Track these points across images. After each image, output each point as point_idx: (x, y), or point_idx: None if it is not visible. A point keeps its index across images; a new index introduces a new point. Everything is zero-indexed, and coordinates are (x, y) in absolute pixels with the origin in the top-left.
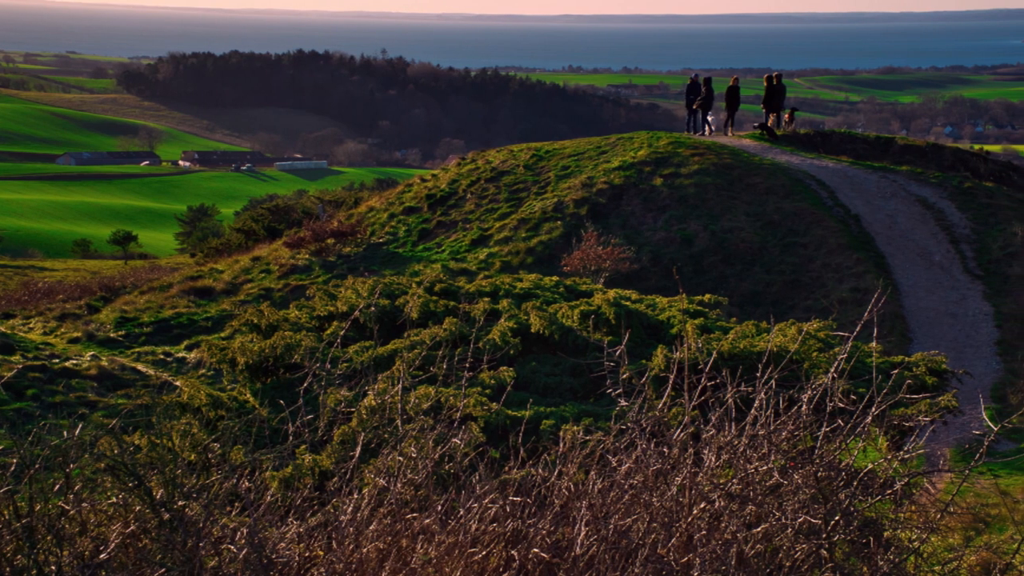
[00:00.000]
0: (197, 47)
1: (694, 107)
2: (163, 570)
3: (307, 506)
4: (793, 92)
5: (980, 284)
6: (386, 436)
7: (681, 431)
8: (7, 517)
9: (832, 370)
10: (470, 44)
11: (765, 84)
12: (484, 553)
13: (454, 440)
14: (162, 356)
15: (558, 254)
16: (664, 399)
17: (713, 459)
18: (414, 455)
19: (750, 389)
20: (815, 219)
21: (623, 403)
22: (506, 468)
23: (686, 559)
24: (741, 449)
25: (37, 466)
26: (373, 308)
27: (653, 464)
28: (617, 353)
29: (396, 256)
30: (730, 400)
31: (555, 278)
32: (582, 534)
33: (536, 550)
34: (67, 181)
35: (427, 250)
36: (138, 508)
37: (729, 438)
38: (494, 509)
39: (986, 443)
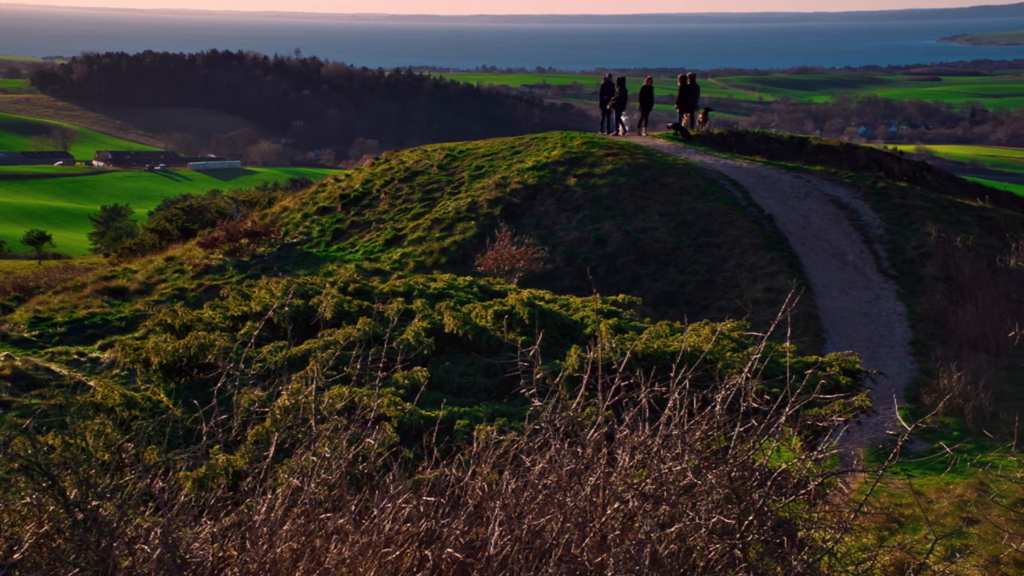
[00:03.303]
0: (111, 47)
1: (608, 107)
2: (77, 570)
3: (221, 506)
4: (707, 92)
5: (894, 284)
6: (300, 436)
7: (595, 431)
8: None
9: (746, 370)
10: (384, 44)
11: (679, 84)
12: (398, 553)
13: (368, 440)
14: (76, 356)
15: (472, 254)
16: (578, 399)
17: (627, 459)
18: (328, 455)
19: (664, 389)
20: (729, 219)
21: (537, 403)
22: (420, 468)
23: (600, 559)
24: (655, 449)
25: None
26: (287, 308)
27: (567, 464)
28: (531, 353)
29: (310, 256)
30: (644, 400)
31: (469, 278)
32: (496, 534)
33: (450, 550)
34: None
35: (341, 250)
36: (52, 508)
37: (643, 438)
38: (408, 509)
39: (900, 443)
